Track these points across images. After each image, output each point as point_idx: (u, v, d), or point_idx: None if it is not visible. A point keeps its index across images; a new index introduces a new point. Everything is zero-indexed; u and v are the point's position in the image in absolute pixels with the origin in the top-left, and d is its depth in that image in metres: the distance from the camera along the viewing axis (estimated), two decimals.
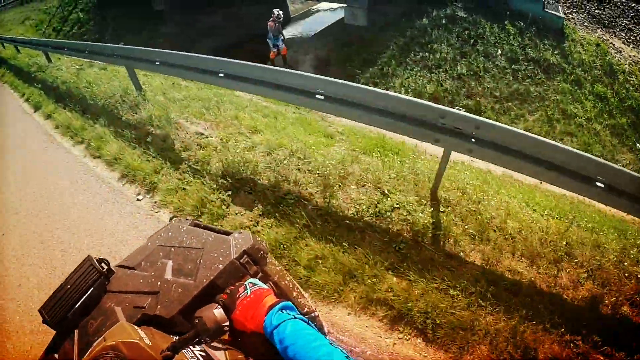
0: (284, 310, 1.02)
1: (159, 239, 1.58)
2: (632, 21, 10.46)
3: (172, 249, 1.48)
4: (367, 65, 10.65)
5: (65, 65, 9.96)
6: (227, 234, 1.53)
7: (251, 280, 1.20)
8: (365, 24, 12.25)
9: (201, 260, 1.39)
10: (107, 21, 17.72)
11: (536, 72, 8.73)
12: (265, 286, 1.19)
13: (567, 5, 10.35)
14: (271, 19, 11.15)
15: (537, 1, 9.68)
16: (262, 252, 1.50)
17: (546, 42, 9.12)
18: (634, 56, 9.73)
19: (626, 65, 9.28)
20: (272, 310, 1.03)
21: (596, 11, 10.58)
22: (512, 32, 9.28)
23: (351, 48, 12.11)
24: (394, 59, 10.05)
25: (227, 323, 1.15)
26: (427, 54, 9.66)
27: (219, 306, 1.17)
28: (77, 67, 9.68)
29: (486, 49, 9.15)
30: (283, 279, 1.57)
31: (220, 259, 1.39)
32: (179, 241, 1.52)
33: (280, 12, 11.13)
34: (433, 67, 9.34)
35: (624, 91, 8.81)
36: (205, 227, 1.61)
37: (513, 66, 8.81)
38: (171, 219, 3.67)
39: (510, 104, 8.42)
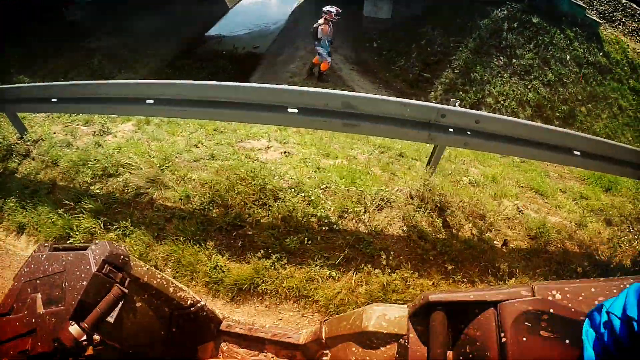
0: None
1: (23, 275, 1.52)
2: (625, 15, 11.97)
3: (38, 281, 1.44)
4: (434, 68, 9.89)
5: None
6: (85, 248, 1.49)
7: None
8: (390, 17, 11.58)
9: (66, 283, 1.37)
10: (8, 49, 12.50)
11: (596, 74, 9.42)
12: None
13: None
14: (322, 19, 8.53)
15: (580, 6, 10.24)
16: (122, 257, 1.51)
17: (593, 44, 9.87)
18: (638, 49, 10.95)
19: (638, 59, 10.44)
20: None
21: (600, 7, 11.76)
22: (571, 37, 9.70)
23: (389, 48, 11.00)
24: (478, 63, 9.39)
25: (85, 337, 1.22)
26: (508, 59, 9.42)
27: (74, 323, 1.23)
28: None
29: (560, 55, 9.48)
30: (154, 278, 1.65)
31: (83, 275, 1.37)
32: (42, 271, 1.47)
33: (339, 10, 8.51)
34: (522, 73, 9.21)
35: None
36: (64, 249, 1.56)
37: (583, 70, 9.34)
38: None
39: (590, 105, 9.06)
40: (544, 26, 9.66)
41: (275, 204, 3.62)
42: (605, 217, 4.32)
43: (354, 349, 1.45)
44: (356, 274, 3.23)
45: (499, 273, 3.43)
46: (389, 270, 3.27)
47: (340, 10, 8.55)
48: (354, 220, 3.64)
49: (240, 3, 21.74)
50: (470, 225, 3.76)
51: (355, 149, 5.05)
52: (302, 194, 3.73)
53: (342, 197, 3.79)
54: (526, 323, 1.07)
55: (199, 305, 1.81)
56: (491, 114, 3.46)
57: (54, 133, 4.89)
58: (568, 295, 1.13)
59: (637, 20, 12.17)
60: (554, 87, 9.05)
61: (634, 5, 12.59)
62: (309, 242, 3.37)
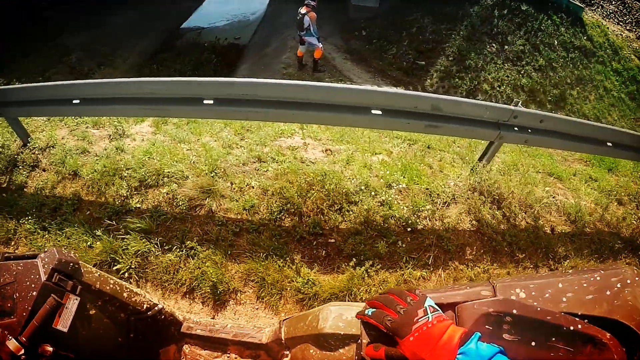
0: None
1: None
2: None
3: None
4: (427, 56, 9.86)
5: None
6: (34, 257, 1.46)
7: (430, 302, 0.94)
8: (377, 5, 11.47)
9: (17, 294, 1.35)
10: None
11: (582, 57, 9.84)
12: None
13: None
14: (305, 8, 8.40)
15: None
16: (72, 264, 1.49)
17: (577, 29, 10.25)
18: (617, 31, 11.71)
19: (618, 41, 11.08)
20: (468, 342, 0.81)
21: None
22: (558, 23, 10.04)
23: (378, 36, 10.87)
24: (472, 50, 9.48)
25: (23, 352, 1.18)
26: (500, 45, 9.60)
27: (10, 337, 1.19)
28: None
29: (549, 40, 9.69)
30: (106, 284, 1.60)
31: (33, 285, 1.36)
32: None
33: None
34: (515, 59, 9.40)
35: (625, 63, 10.65)
36: (15, 258, 1.51)
37: (570, 54, 9.70)
38: None
39: (578, 88, 9.39)
40: (532, 13, 10.03)
41: (351, 208, 3.35)
42: (616, 197, 4.62)
43: (312, 350, 1.42)
44: (444, 270, 3.22)
45: (556, 257, 3.63)
46: (471, 265, 3.32)
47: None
48: (427, 218, 3.51)
49: None
50: (524, 214, 3.87)
51: (384, 142, 4.93)
52: (374, 195, 3.48)
53: (411, 195, 3.64)
54: (487, 326, 0.97)
55: (156, 308, 1.79)
56: (554, 114, 3.76)
57: (62, 138, 4.25)
58: (533, 293, 1.07)
59: (613, 2, 12.94)
60: (545, 72, 9.41)
61: None
62: (397, 245, 3.20)
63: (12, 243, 3.45)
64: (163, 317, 1.92)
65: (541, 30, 9.88)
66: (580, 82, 9.63)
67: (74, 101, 3.59)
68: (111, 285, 1.64)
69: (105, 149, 4.04)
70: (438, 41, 9.88)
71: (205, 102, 3.15)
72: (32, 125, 4.54)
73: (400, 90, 3.19)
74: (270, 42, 12.09)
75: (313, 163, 3.90)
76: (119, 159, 3.84)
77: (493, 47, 9.62)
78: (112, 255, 3.07)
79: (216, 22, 17.21)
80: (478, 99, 8.47)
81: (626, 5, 13.30)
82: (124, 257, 3.05)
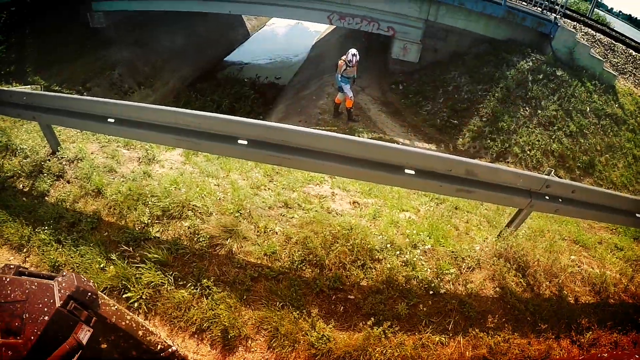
0: None
1: None
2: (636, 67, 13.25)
3: None
4: (461, 115, 10.11)
5: None
6: (52, 278, 1.43)
7: None
8: (416, 61, 11.79)
9: (27, 314, 1.31)
10: (28, 44, 12.13)
11: (612, 125, 10.06)
12: None
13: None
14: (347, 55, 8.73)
15: (599, 60, 11.01)
16: (89, 293, 1.44)
17: (609, 96, 10.52)
18: None
19: None
20: None
21: (614, 59, 12.78)
22: (591, 90, 10.29)
23: (415, 92, 11.21)
24: (506, 112, 9.73)
25: None
26: (534, 110, 9.81)
27: None
28: None
29: (581, 107, 9.91)
30: (122, 319, 1.59)
31: (45, 309, 1.31)
32: (4, 295, 1.39)
33: (357, 59, 8.76)
34: (547, 124, 9.63)
35: None
36: (30, 274, 1.49)
37: (601, 122, 9.92)
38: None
39: (607, 155, 9.58)
40: (567, 79, 10.27)
41: (374, 266, 3.31)
42: None
43: None
44: (464, 337, 3.13)
45: (579, 328, 3.54)
46: (492, 333, 3.24)
47: (354, 59, 8.70)
48: (451, 282, 3.45)
49: (261, 31, 22.18)
50: (548, 283, 3.83)
51: (412, 199, 4.97)
52: (398, 254, 3.44)
53: (436, 257, 3.60)
54: None
55: (170, 350, 1.78)
56: (586, 186, 3.84)
57: (92, 153, 4.39)
58: None
59: None
60: (576, 138, 9.56)
61: None
62: (418, 307, 3.15)
63: (24, 250, 3.52)
64: (176, 359, 1.89)
65: (574, 97, 10.10)
66: (609, 149, 9.76)
67: (109, 119, 3.73)
68: (127, 321, 1.62)
69: (133, 172, 4.14)
70: (473, 101, 10.12)
71: (239, 142, 3.24)
72: (64, 134, 4.71)
73: (436, 152, 3.23)
74: (309, 86, 12.49)
75: (340, 215, 3.92)
76: (145, 184, 3.92)
77: (526, 110, 9.81)
78: (124, 282, 3.08)
79: (259, 60, 18.12)
80: (508, 162, 8.57)
81: None
82: (136, 286, 3.05)
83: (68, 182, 4.02)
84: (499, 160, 8.91)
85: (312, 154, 3.15)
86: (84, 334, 1.42)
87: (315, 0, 11.81)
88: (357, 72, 9.05)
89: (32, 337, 1.26)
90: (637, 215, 3.95)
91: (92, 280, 1.62)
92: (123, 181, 3.97)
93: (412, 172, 3.18)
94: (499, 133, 9.38)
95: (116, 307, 1.63)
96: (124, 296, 3.00)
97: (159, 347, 1.73)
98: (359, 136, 8.19)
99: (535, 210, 3.78)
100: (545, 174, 3.56)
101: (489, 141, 9.21)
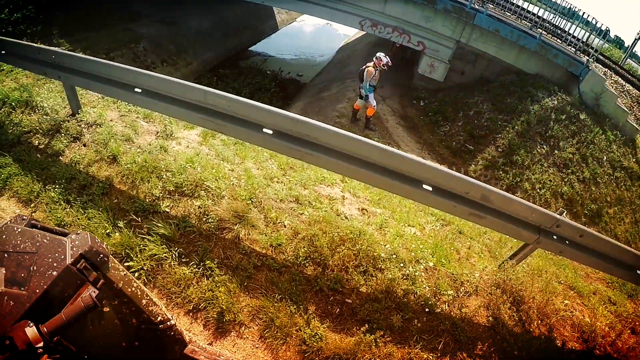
0: None
1: None
2: None
3: (6, 255, 1.36)
4: (478, 142, 10.12)
5: None
6: (65, 234, 1.44)
7: None
8: (441, 80, 11.78)
9: (34, 267, 1.31)
10: (56, 7, 11.74)
11: (626, 178, 10.05)
12: None
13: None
14: (372, 63, 8.72)
15: (625, 111, 10.97)
16: (101, 255, 1.45)
17: (628, 149, 10.56)
18: None
19: None
20: None
21: (639, 113, 12.53)
22: (611, 139, 10.34)
23: (435, 110, 11.23)
24: (523, 147, 9.71)
25: (42, 344, 1.14)
26: (550, 149, 9.80)
27: (32, 324, 1.14)
28: None
29: (598, 155, 9.92)
30: (129, 286, 1.57)
31: (55, 264, 1.31)
32: (13, 245, 1.39)
33: (389, 62, 8.79)
34: (561, 165, 9.63)
35: None
36: (42, 228, 1.49)
37: (616, 173, 9.90)
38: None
39: (616, 208, 9.56)
40: (589, 124, 10.27)
41: (376, 274, 3.36)
42: (631, 325, 4.55)
43: None
44: (451, 359, 3.18)
45: None
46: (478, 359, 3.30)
47: (390, 63, 8.81)
48: (447, 303, 3.49)
49: (290, 26, 22.32)
50: (539, 322, 3.87)
51: (419, 216, 5.02)
52: (401, 267, 3.49)
53: (435, 277, 3.67)
54: None
55: (168, 323, 1.77)
56: (595, 232, 3.82)
57: (111, 120, 4.44)
58: None
59: None
60: (588, 185, 9.54)
61: None
62: (412, 322, 3.20)
63: (32, 205, 3.58)
64: (172, 333, 1.93)
65: (593, 143, 10.10)
66: (619, 202, 9.72)
67: (136, 89, 3.78)
68: (133, 289, 1.61)
69: (150, 144, 4.20)
70: (492, 130, 10.14)
71: (265, 130, 3.28)
72: (86, 98, 4.77)
73: (456, 172, 3.25)
74: (331, 88, 12.52)
75: (347, 219, 3.97)
76: (160, 158, 3.98)
77: (543, 148, 9.81)
78: (127, 251, 3.14)
79: (284, 54, 18.27)
80: (517, 196, 8.62)
81: None
82: (139, 255, 3.11)
83: (84, 145, 4.09)
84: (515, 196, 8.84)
85: (336, 154, 3.20)
86: (90, 295, 1.42)
87: (350, 4, 11.86)
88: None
89: (38, 290, 1.25)
90: (638, 272, 4.02)
91: (105, 243, 1.65)
92: (139, 152, 4.03)
93: (430, 188, 3.22)
94: (512, 166, 9.42)
95: (125, 272, 1.61)
96: (125, 264, 3.06)
97: (159, 319, 1.71)
98: None
99: (540, 247, 3.83)
100: (557, 214, 3.60)
101: (501, 172, 9.25)
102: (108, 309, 1.63)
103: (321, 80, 14.57)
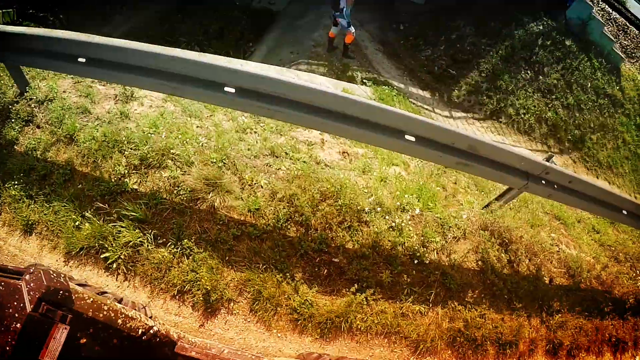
0: None
1: None
2: None
3: None
4: (461, 66, 9.68)
5: None
6: (19, 274, 1.36)
7: None
8: (423, 3, 11.21)
9: None
10: None
11: (609, 106, 10.07)
12: None
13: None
14: None
15: (610, 39, 10.83)
16: (61, 291, 1.40)
17: (612, 77, 10.54)
18: None
19: None
20: None
21: (625, 42, 12.42)
22: (596, 67, 10.26)
23: (416, 34, 10.66)
24: (506, 72, 9.46)
25: None
26: (535, 74, 9.61)
27: None
28: None
29: (583, 82, 9.88)
30: (100, 311, 1.53)
31: (16, 315, 1.25)
32: None
33: None
34: (545, 91, 9.39)
35: None
36: None
37: (599, 100, 9.92)
38: None
39: (599, 134, 9.65)
40: (574, 50, 10.16)
41: (361, 228, 3.28)
42: (614, 254, 4.87)
43: None
44: (442, 309, 3.27)
45: (550, 310, 3.77)
46: (469, 306, 3.38)
47: None
48: (436, 251, 3.49)
49: None
50: (527, 261, 3.95)
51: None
52: (386, 218, 3.41)
53: (423, 224, 3.62)
54: None
55: (151, 332, 1.74)
56: (584, 177, 4.07)
57: (64, 92, 4.02)
58: None
59: None
60: (572, 111, 9.57)
61: None
62: (402, 277, 3.20)
63: None
64: (158, 339, 1.88)
65: (578, 70, 10.04)
66: (602, 128, 9.85)
67: (80, 59, 3.36)
68: (105, 312, 1.56)
69: (109, 112, 3.85)
70: (475, 54, 9.78)
71: (226, 89, 3.00)
72: (34, 70, 4.27)
73: (441, 124, 3.19)
74: (305, 15, 11.62)
75: (329, 166, 3.82)
76: (121, 128, 3.65)
77: (528, 74, 9.63)
78: (100, 242, 2.99)
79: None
80: (501, 122, 8.49)
81: None
82: (113, 245, 2.96)
83: (38, 127, 3.71)
84: (491, 119, 8.83)
85: (310, 109, 2.96)
86: (61, 333, 1.37)
87: None
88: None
89: (8, 348, 1.21)
90: (624, 212, 4.24)
91: (63, 274, 1.51)
92: (98, 124, 3.68)
93: (413, 138, 3.07)
94: (496, 91, 9.23)
95: (92, 298, 1.54)
96: (101, 256, 2.93)
97: (140, 332, 1.68)
98: (352, 75, 8.18)
99: (529, 192, 3.83)
100: (546, 160, 3.62)
101: (484, 97, 9.04)
102: (85, 340, 1.56)
103: (295, 7, 13.52)
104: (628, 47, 12.74)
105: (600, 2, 13.18)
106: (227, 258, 2.97)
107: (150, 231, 2.99)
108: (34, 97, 3.84)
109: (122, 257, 2.89)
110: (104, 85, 4.22)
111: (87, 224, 3.02)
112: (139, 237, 2.96)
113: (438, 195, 4.07)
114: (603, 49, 10.64)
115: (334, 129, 3.10)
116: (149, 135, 3.57)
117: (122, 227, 3.00)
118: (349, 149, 4.30)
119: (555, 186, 3.69)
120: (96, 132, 3.58)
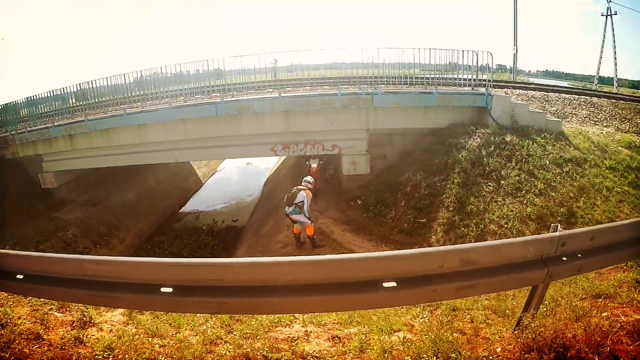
0: None
1: None
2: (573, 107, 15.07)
3: None
4: (427, 212, 9.95)
5: None
6: None
7: None
8: (368, 172, 12.15)
9: None
10: None
11: (576, 168, 10.52)
12: None
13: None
14: (306, 184, 9.33)
15: (541, 113, 11.84)
16: None
17: (562, 142, 11.21)
18: (596, 131, 13.33)
19: (602, 139, 12.38)
20: None
21: (552, 108, 14.24)
22: (543, 143, 10.88)
23: (374, 202, 11.21)
24: (470, 195, 9.71)
25: None
26: (496, 183, 9.95)
27: None
28: None
29: (540, 163, 10.35)
30: None
31: None
32: None
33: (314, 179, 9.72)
34: (514, 191, 9.77)
35: (615, 156, 11.53)
36: None
37: (564, 169, 10.35)
38: None
39: (583, 198, 9.80)
40: (517, 142, 10.77)
41: None
42: None
43: None
44: None
45: None
46: None
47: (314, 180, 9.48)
48: None
49: (212, 177, 23.14)
50: (597, 357, 3.13)
51: (402, 314, 4.39)
52: None
53: None
54: None
55: None
56: (605, 225, 3.63)
57: (19, 319, 3.74)
58: None
59: (584, 107, 14.87)
60: (547, 194, 9.65)
61: (576, 96, 15.84)
62: None
63: None
64: None
65: (530, 156, 10.45)
66: (582, 192, 9.94)
67: (18, 276, 3.24)
68: None
69: (62, 338, 3.47)
70: (434, 194, 10.08)
71: (163, 290, 2.65)
72: None
73: (417, 249, 2.88)
74: (267, 222, 12.39)
75: (319, 358, 3.26)
76: (71, 353, 3.21)
77: (490, 186, 9.85)
78: None
79: (215, 205, 18.41)
80: (502, 240, 8.26)
81: (595, 105, 15.01)
82: None
83: None
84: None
85: (256, 292, 2.58)
86: None
87: (257, 134, 12.19)
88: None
89: None
90: None
91: None
92: (47, 351, 3.23)
93: (393, 283, 2.60)
94: (470, 217, 9.23)
95: None
96: None
97: None
98: None
99: (555, 279, 3.25)
100: (553, 231, 3.09)
101: (462, 229, 8.94)
102: None
103: (257, 218, 14.58)
104: (557, 111, 14.37)
105: (514, 90, 14.93)
106: None
107: None
108: None
109: None
110: (62, 313, 4.05)
111: None
112: None
113: (458, 343, 3.42)
114: (539, 125, 11.49)
115: (291, 306, 2.75)
116: (101, 358, 3.13)
117: None
118: (340, 332, 3.82)
119: (580, 255, 3.16)
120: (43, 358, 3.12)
